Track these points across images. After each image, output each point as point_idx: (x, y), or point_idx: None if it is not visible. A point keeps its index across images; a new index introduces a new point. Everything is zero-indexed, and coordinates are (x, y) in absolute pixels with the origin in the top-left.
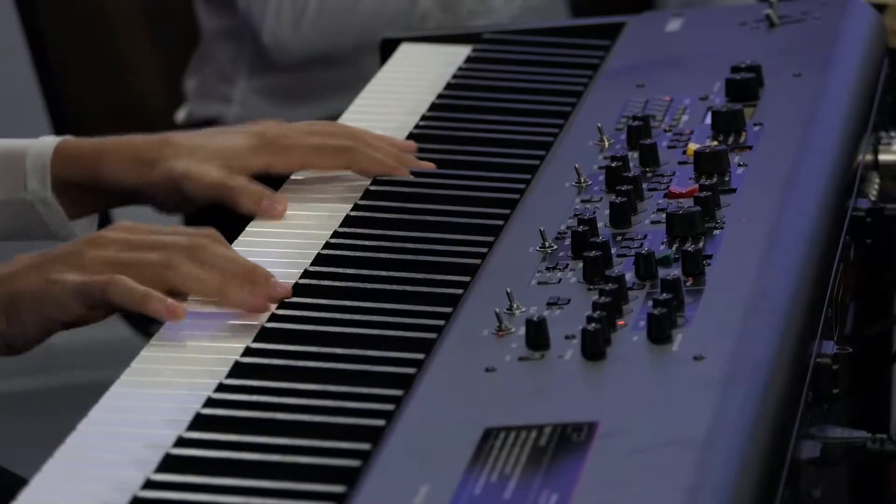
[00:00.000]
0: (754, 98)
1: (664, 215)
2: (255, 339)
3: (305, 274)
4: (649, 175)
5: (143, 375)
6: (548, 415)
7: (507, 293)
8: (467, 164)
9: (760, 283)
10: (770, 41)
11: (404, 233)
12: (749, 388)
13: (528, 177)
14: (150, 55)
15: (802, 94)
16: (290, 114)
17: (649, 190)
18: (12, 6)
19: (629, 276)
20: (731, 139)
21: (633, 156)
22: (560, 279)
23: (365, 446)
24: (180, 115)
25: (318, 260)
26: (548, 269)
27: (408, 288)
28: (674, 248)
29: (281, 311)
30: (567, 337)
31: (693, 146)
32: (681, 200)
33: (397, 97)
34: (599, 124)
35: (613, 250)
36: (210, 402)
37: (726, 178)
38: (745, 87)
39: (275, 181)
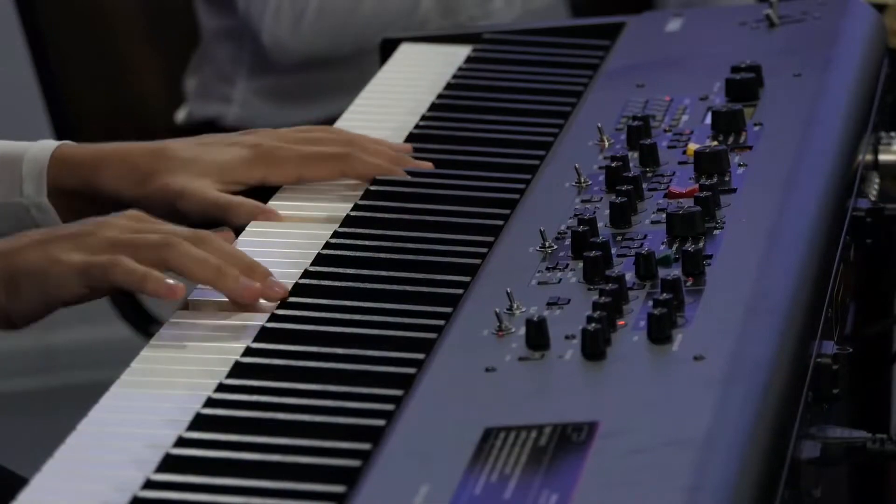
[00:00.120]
0: (754, 98)
1: (664, 215)
2: (255, 339)
3: (305, 274)
4: (649, 175)
5: (143, 375)
6: (548, 415)
7: (507, 293)
8: (467, 164)
9: (760, 283)
10: (770, 41)
11: (404, 233)
12: (749, 388)
13: (528, 177)
14: (150, 55)
15: (802, 94)
16: (289, 114)
17: (649, 190)
18: (12, 6)
19: (629, 276)
20: (731, 139)
21: (633, 156)
22: (560, 279)
23: (365, 446)
24: (180, 115)
25: (318, 260)
26: (548, 269)
27: (408, 288)
28: (674, 248)
29: (281, 311)
30: (567, 337)
31: (693, 146)
32: (681, 200)
33: (397, 97)
34: (599, 124)
35: (613, 250)
36: (210, 402)
37: (726, 178)
38: (745, 87)
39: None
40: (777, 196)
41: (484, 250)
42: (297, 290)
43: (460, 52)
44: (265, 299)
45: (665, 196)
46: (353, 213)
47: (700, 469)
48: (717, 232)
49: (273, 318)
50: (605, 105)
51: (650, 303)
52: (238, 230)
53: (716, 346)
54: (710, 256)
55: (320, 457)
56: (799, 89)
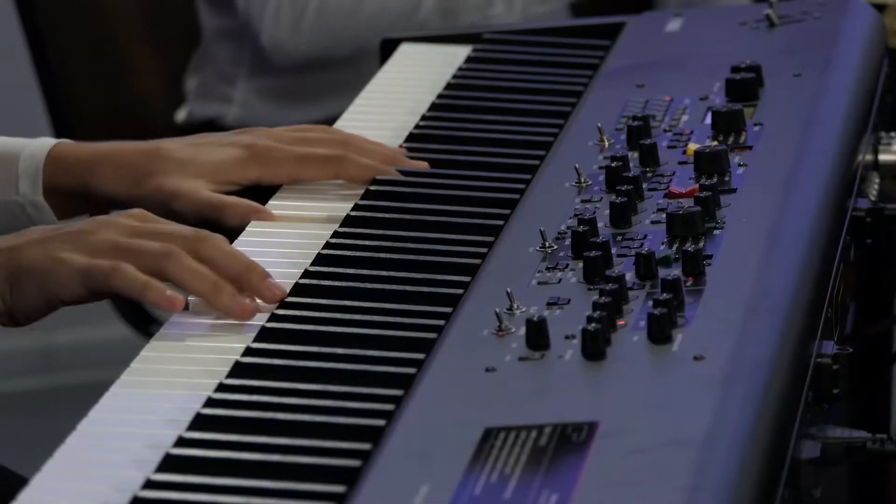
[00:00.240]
0: (754, 98)
1: (664, 215)
2: (255, 339)
3: (305, 274)
4: (649, 175)
5: (143, 375)
6: (548, 415)
7: (507, 293)
8: (467, 164)
9: (760, 283)
10: (770, 41)
11: (404, 233)
12: (749, 388)
13: (528, 177)
14: (150, 55)
15: (802, 94)
16: (290, 114)
17: (649, 190)
18: (12, 6)
19: (629, 276)
20: (731, 139)
21: (633, 156)
22: (560, 279)
23: (365, 446)
24: (180, 115)
25: (318, 260)
26: (548, 269)
27: (408, 288)
28: (674, 248)
29: (281, 311)
30: (567, 337)
31: (693, 146)
32: (681, 200)
33: (397, 97)
34: (599, 124)
35: (613, 250)
36: (210, 402)
37: (726, 178)
38: (745, 87)
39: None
40: (777, 196)
41: (484, 250)
42: (297, 290)
43: (460, 52)
44: (265, 302)
45: (665, 196)
46: (353, 213)
47: (700, 469)
48: (717, 232)
49: (273, 318)
50: (605, 105)
51: (650, 303)
52: (234, 231)
53: (716, 346)
54: (710, 256)
55: (320, 457)
56: (799, 89)
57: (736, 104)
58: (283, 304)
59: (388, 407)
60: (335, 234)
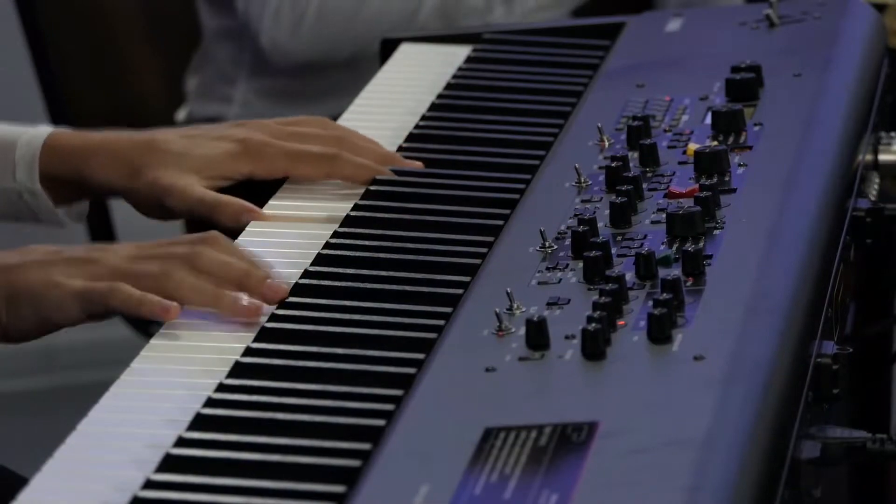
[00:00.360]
0: (754, 98)
1: (664, 215)
2: (255, 339)
3: (305, 274)
4: (649, 175)
5: (143, 375)
6: (548, 415)
7: (507, 293)
8: (467, 164)
9: (760, 283)
10: (770, 41)
11: (404, 233)
12: (749, 388)
13: (528, 177)
14: (150, 55)
15: (802, 94)
16: (290, 114)
17: (649, 190)
18: (12, 6)
19: (629, 276)
20: (731, 139)
21: (633, 156)
22: (560, 279)
23: (365, 446)
24: (181, 114)
25: (318, 260)
26: (548, 269)
27: (408, 288)
28: (674, 248)
29: (281, 311)
30: (567, 337)
31: (693, 146)
32: (681, 200)
33: (397, 97)
34: (599, 124)
35: (613, 250)
36: (210, 402)
37: (726, 178)
38: (745, 87)
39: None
40: (777, 196)
41: (484, 250)
42: (297, 290)
43: (460, 52)
44: (267, 303)
45: (665, 196)
46: (353, 213)
47: (700, 469)
48: (717, 232)
49: (273, 318)
50: (605, 105)
51: (650, 303)
52: (228, 231)
53: (716, 346)
54: (710, 256)
55: (320, 457)
56: (799, 89)
57: (736, 104)
58: (283, 304)
59: (388, 407)
60: (335, 234)
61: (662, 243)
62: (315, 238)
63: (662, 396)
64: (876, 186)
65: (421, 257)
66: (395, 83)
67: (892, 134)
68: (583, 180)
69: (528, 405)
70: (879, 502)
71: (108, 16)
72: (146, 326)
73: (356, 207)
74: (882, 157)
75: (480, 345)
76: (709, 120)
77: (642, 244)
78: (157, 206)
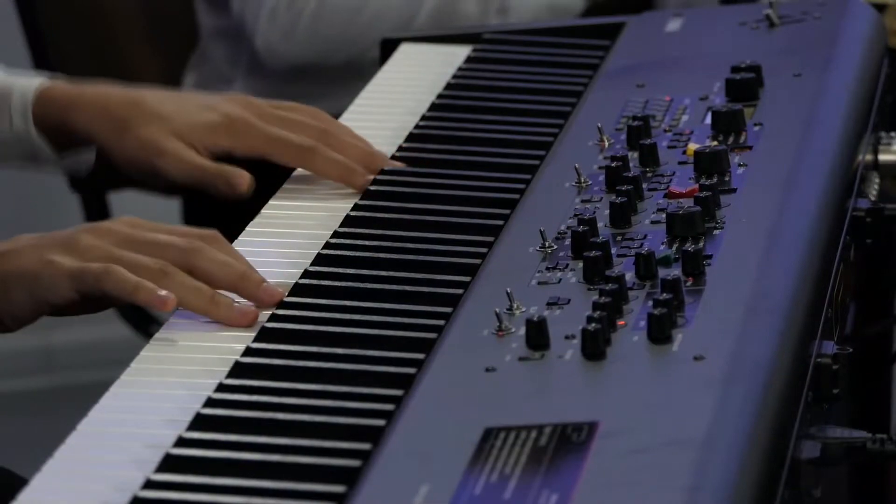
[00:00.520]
0: (754, 98)
1: (664, 215)
2: (255, 339)
3: (305, 274)
4: (649, 175)
5: (143, 375)
6: (548, 415)
7: (507, 293)
8: (467, 164)
9: (760, 283)
10: (770, 41)
11: (404, 233)
12: (749, 388)
13: (528, 177)
14: (150, 55)
15: (802, 94)
16: None
17: (649, 190)
18: (12, 6)
19: (629, 276)
20: (731, 139)
21: (633, 156)
22: (560, 279)
23: (365, 446)
24: None
25: (318, 260)
26: (548, 269)
27: (408, 288)
28: (674, 248)
29: (281, 311)
30: (567, 337)
31: (693, 146)
32: (681, 200)
33: (397, 97)
34: (599, 124)
35: (613, 250)
36: (210, 402)
37: (726, 178)
38: (745, 87)
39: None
40: (777, 196)
41: (484, 250)
42: (297, 290)
43: (460, 52)
44: (262, 306)
45: (665, 196)
46: (353, 213)
47: (700, 469)
48: (717, 232)
49: (273, 318)
50: (605, 105)
51: (650, 303)
52: (239, 217)
53: (716, 346)
54: (710, 256)
55: (320, 457)
56: (799, 89)
57: (736, 104)
58: (283, 304)
59: (388, 407)
60: (335, 234)
61: (662, 243)
62: (315, 238)
63: (662, 396)
64: (876, 186)
65: (421, 257)
66: (395, 83)
67: (892, 134)
68: (583, 180)
69: (528, 405)
70: (879, 502)
71: (108, 16)
72: (146, 326)
73: (356, 207)
74: (882, 157)
75: (480, 345)
76: (709, 120)
77: (642, 244)
78: (145, 167)
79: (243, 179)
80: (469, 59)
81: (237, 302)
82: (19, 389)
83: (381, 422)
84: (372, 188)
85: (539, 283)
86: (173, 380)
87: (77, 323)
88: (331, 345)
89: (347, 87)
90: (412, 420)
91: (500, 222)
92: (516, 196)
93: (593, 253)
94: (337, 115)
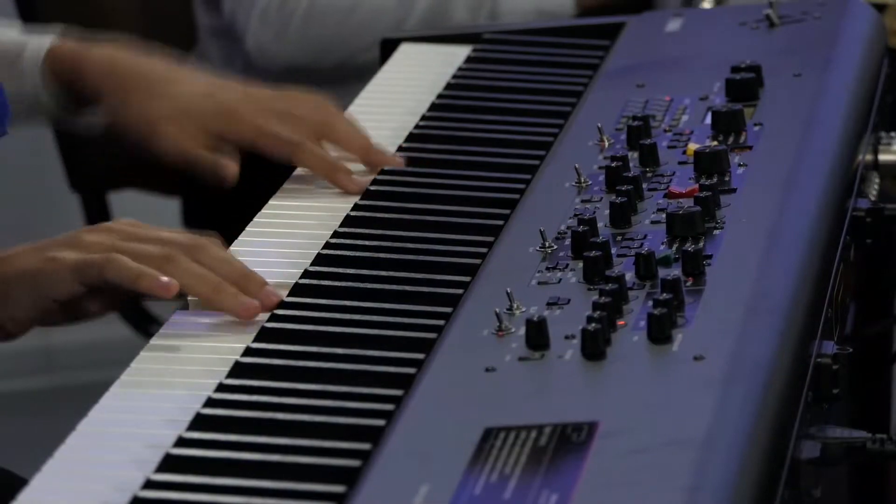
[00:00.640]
0: (754, 98)
1: (664, 215)
2: (255, 339)
3: (305, 274)
4: (649, 175)
5: (143, 375)
6: (548, 415)
7: (507, 293)
8: (467, 164)
9: (760, 283)
10: (770, 41)
11: (404, 233)
12: (749, 388)
13: (528, 177)
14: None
15: (802, 94)
16: None
17: (649, 190)
18: (12, 6)
19: (629, 276)
20: (731, 139)
21: (633, 156)
22: (560, 279)
23: (365, 446)
24: None
25: (318, 260)
26: (548, 269)
27: (408, 288)
28: (674, 248)
29: (281, 311)
30: (567, 337)
31: (693, 146)
32: (681, 200)
33: (397, 97)
34: (599, 124)
35: (613, 250)
36: (210, 402)
37: (726, 178)
38: (745, 87)
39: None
40: (777, 196)
41: (484, 250)
42: (297, 290)
43: (460, 52)
44: (262, 309)
45: (665, 196)
46: (353, 213)
47: (700, 469)
48: (717, 232)
49: (273, 318)
50: (605, 105)
51: (650, 303)
52: (239, 220)
53: (716, 346)
54: (710, 256)
55: (320, 457)
56: (799, 89)
57: (736, 104)
58: (283, 304)
59: (388, 407)
60: (335, 234)
61: (662, 243)
62: (315, 238)
63: (662, 396)
64: (876, 186)
65: (421, 257)
66: (395, 83)
67: (892, 134)
68: (583, 180)
69: (528, 405)
70: (879, 502)
71: (108, 16)
72: (146, 326)
73: (356, 207)
74: (882, 157)
75: (480, 345)
76: (709, 120)
77: (642, 244)
78: (140, 137)
79: (229, 171)
80: (469, 59)
81: None
82: (19, 389)
83: (381, 422)
84: (372, 188)
85: (539, 283)
86: (173, 380)
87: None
88: (331, 345)
89: (340, 89)
90: (412, 420)
91: (500, 222)
92: (516, 196)
93: (593, 253)
94: None
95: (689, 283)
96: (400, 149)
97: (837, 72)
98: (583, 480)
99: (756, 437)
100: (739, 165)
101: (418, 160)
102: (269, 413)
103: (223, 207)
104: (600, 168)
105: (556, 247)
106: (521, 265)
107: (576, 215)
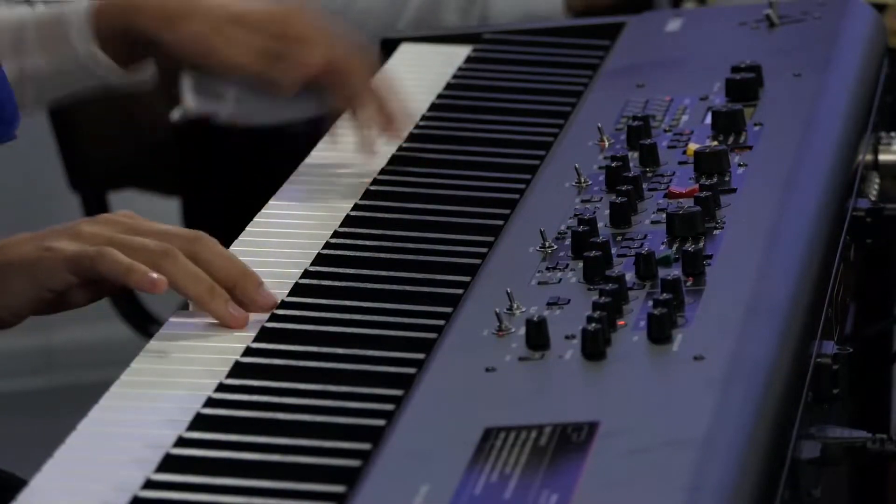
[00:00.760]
0: (754, 98)
1: (664, 215)
2: (255, 339)
3: (305, 274)
4: (649, 175)
5: (144, 375)
6: (548, 415)
7: (507, 293)
8: (467, 164)
9: (760, 283)
10: (770, 41)
11: (404, 233)
12: (749, 388)
13: (528, 177)
14: None
15: (802, 94)
16: (285, 111)
17: (649, 190)
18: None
19: (629, 276)
20: (731, 139)
21: (633, 156)
22: (560, 279)
23: (365, 446)
24: (175, 112)
25: (318, 260)
26: (548, 269)
27: (408, 288)
28: (674, 248)
29: (281, 311)
30: (567, 337)
31: (693, 146)
32: (681, 200)
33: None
34: (599, 124)
35: (613, 250)
36: (210, 402)
37: (726, 178)
38: (745, 87)
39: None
40: (777, 196)
41: (484, 250)
42: (297, 290)
43: (460, 52)
44: (256, 309)
45: (665, 196)
46: (353, 213)
47: (700, 469)
48: (717, 232)
49: (273, 317)
50: (605, 105)
51: (650, 303)
52: (238, 223)
53: (716, 346)
54: (710, 256)
55: (320, 457)
56: (799, 89)
57: (736, 104)
58: (283, 304)
59: (388, 407)
60: (335, 234)
61: (662, 243)
62: (315, 238)
63: (662, 396)
64: (876, 186)
65: (421, 257)
66: (395, 83)
67: (892, 134)
68: (583, 180)
69: (528, 405)
70: (879, 502)
71: None
72: (146, 326)
73: (356, 207)
74: (882, 157)
75: (480, 345)
76: (709, 120)
77: (642, 244)
78: (196, 59)
79: (289, 83)
80: (469, 59)
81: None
82: (19, 389)
83: (381, 422)
84: (372, 188)
85: (539, 283)
86: (173, 380)
87: (77, 323)
88: (331, 345)
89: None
90: (412, 420)
91: (500, 222)
92: (516, 196)
93: (593, 253)
94: (326, 117)
95: (689, 283)
96: (400, 149)
97: (837, 72)
98: (583, 480)
99: (756, 437)
100: (739, 165)
101: (418, 160)
102: (269, 413)
103: (223, 207)
104: (600, 168)
105: (556, 247)
106: (521, 265)
107: (576, 215)
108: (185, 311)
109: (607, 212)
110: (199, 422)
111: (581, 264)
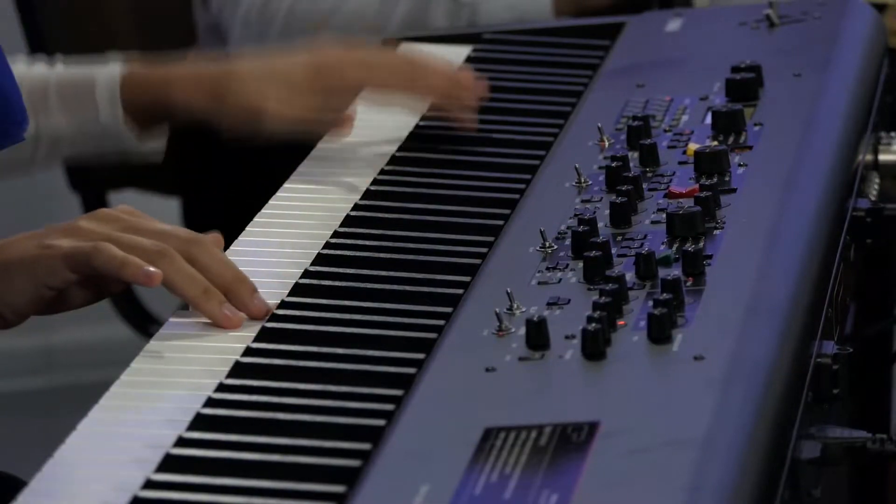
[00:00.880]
0: (754, 98)
1: (664, 215)
2: (255, 339)
3: (305, 274)
4: (649, 175)
5: (144, 375)
6: (548, 415)
7: (507, 293)
8: (467, 164)
9: (760, 283)
10: (770, 41)
11: (404, 233)
12: (749, 388)
13: (528, 177)
14: (149, 55)
15: (802, 94)
16: None
17: (649, 190)
18: (12, 6)
19: (629, 276)
20: (731, 139)
21: (633, 156)
22: (560, 279)
23: (365, 446)
24: None
25: (318, 260)
26: (548, 269)
27: (408, 288)
28: (674, 248)
29: (281, 311)
30: (567, 337)
31: (693, 146)
32: (681, 200)
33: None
34: (599, 124)
35: (613, 250)
36: (210, 402)
37: (726, 178)
38: (745, 87)
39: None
40: (777, 196)
41: (484, 250)
42: (297, 290)
43: (460, 52)
44: (249, 316)
45: (665, 196)
46: (353, 213)
47: (700, 469)
48: (717, 232)
49: (273, 317)
50: (605, 105)
51: (650, 303)
52: (239, 225)
53: (716, 346)
54: (710, 256)
55: (320, 457)
56: (799, 89)
57: (736, 104)
58: (283, 304)
59: (388, 407)
60: (335, 234)
61: (662, 243)
62: (315, 238)
63: (662, 396)
64: (876, 186)
65: (421, 257)
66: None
67: (892, 134)
68: (583, 180)
69: (528, 405)
70: (879, 502)
71: (108, 16)
72: (146, 326)
73: (356, 207)
74: (882, 157)
75: (480, 345)
76: (709, 120)
77: (642, 244)
78: (247, 128)
79: (347, 120)
80: (469, 59)
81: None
82: (19, 389)
83: (381, 422)
84: (372, 188)
85: (539, 283)
86: (173, 379)
87: (77, 323)
88: (331, 345)
89: None
90: (412, 420)
91: (500, 222)
92: (516, 196)
93: (593, 253)
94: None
95: (689, 283)
96: (400, 149)
97: (837, 72)
98: (583, 480)
99: (756, 437)
100: (739, 165)
101: (418, 160)
102: (269, 413)
103: (223, 207)
104: (600, 168)
105: (556, 247)
106: (521, 265)
107: (576, 215)
108: (184, 312)
109: (607, 212)
110: (199, 422)
111: (581, 264)
